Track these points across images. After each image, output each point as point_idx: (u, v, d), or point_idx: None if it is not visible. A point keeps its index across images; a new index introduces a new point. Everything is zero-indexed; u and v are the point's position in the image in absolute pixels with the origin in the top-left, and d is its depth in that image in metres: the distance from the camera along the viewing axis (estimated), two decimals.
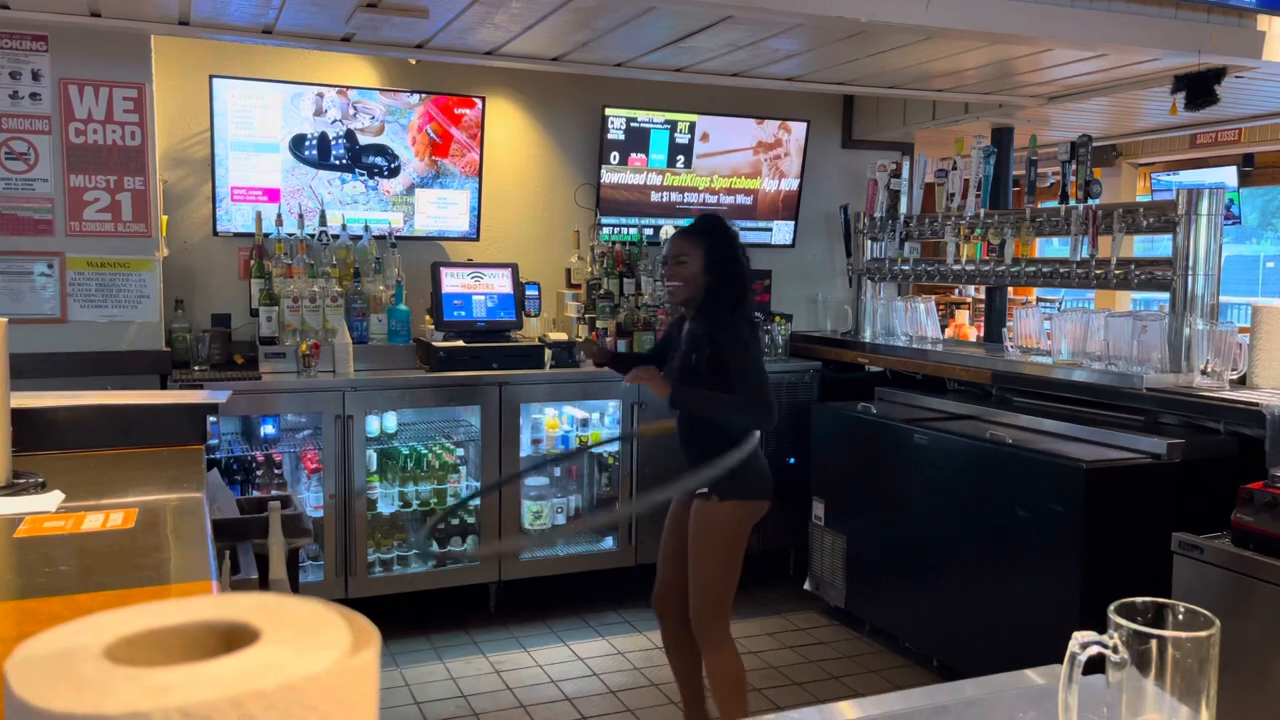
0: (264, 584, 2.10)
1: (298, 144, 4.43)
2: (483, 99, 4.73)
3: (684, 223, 5.24)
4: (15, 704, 0.41)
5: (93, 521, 1.61)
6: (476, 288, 4.60)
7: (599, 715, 3.56)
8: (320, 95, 4.43)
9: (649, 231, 5.19)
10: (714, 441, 2.83)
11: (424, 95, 4.62)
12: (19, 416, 1.92)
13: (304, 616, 0.49)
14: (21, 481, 1.81)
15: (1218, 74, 4.00)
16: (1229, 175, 7.83)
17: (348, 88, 4.49)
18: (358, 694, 0.45)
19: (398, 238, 4.61)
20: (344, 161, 4.53)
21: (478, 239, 4.85)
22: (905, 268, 4.87)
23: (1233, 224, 8.04)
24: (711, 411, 2.88)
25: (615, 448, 4.70)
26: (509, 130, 4.99)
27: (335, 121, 4.47)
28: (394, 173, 4.62)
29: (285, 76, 4.43)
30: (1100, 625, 0.89)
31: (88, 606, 1.26)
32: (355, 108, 4.49)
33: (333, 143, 4.48)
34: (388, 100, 4.57)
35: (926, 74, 4.50)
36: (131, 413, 2.32)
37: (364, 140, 4.55)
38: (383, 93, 4.57)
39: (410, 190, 4.69)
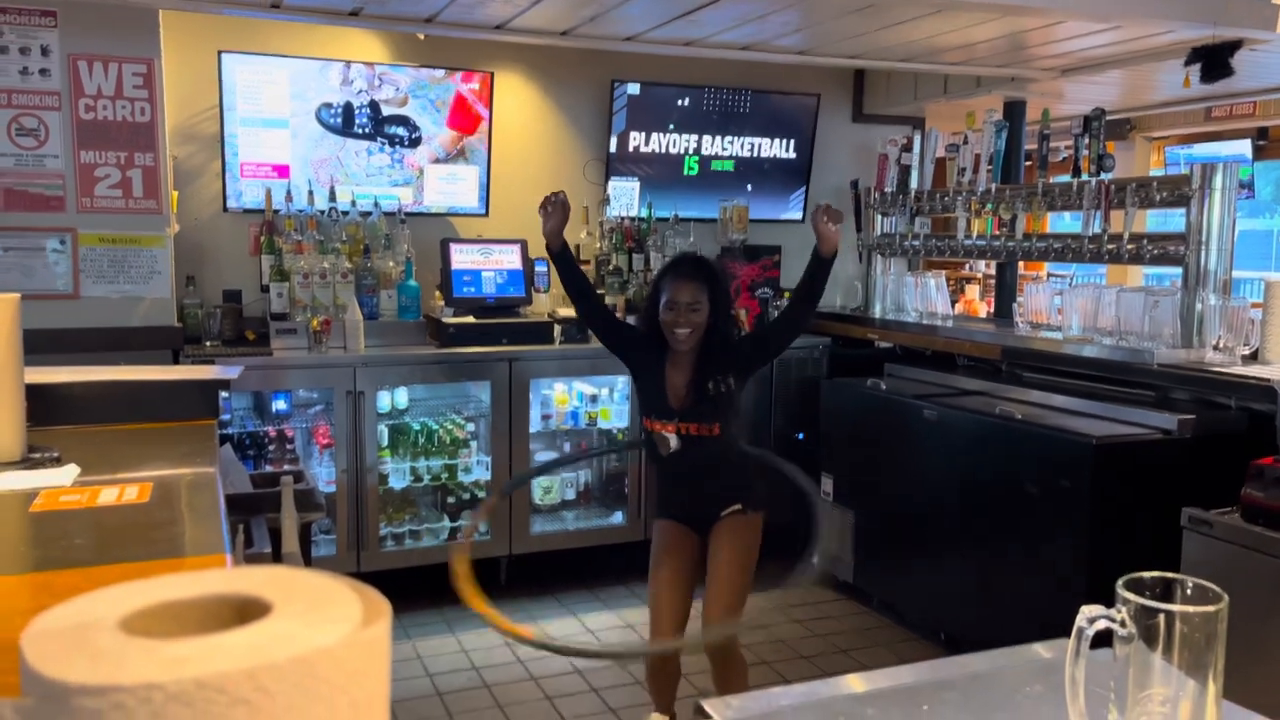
0: (277, 558, 2.12)
1: (323, 112, 4.44)
2: (491, 74, 4.71)
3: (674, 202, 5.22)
4: (31, 676, 0.42)
5: (108, 495, 1.63)
6: (486, 264, 4.60)
7: (608, 687, 3.59)
8: (348, 66, 4.43)
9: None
10: (742, 462, 2.90)
11: (447, 70, 4.61)
12: (33, 392, 1.93)
13: (315, 590, 0.50)
14: (37, 456, 1.83)
15: (1233, 46, 3.94)
16: (1244, 149, 7.75)
17: (353, 62, 4.48)
18: (369, 666, 0.46)
19: (407, 213, 4.61)
20: (367, 130, 4.53)
21: (487, 215, 4.84)
22: (915, 243, 4.84)
23: (1247, 198, 7.96)
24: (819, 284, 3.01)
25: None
26: (517, 105, 4.96)
27: (361, 92, 4.48)
28: (414, 143, 4.62)
29: (293, 51, 4.42)
30: (1108, 601, 0.89)
31: (104, 579, 1.27)
32: (380, 79, 4.50)
33: (356, 112, 4.49)
34: (414, 73, 4.56)
35: (938, 47, 4.46)
36: (144, 388, 2.33)
37: (387, 111, 4.55)
38: (410, 66, 4.56)
39: (436, 163, 4.70)
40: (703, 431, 2.89)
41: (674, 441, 2.90)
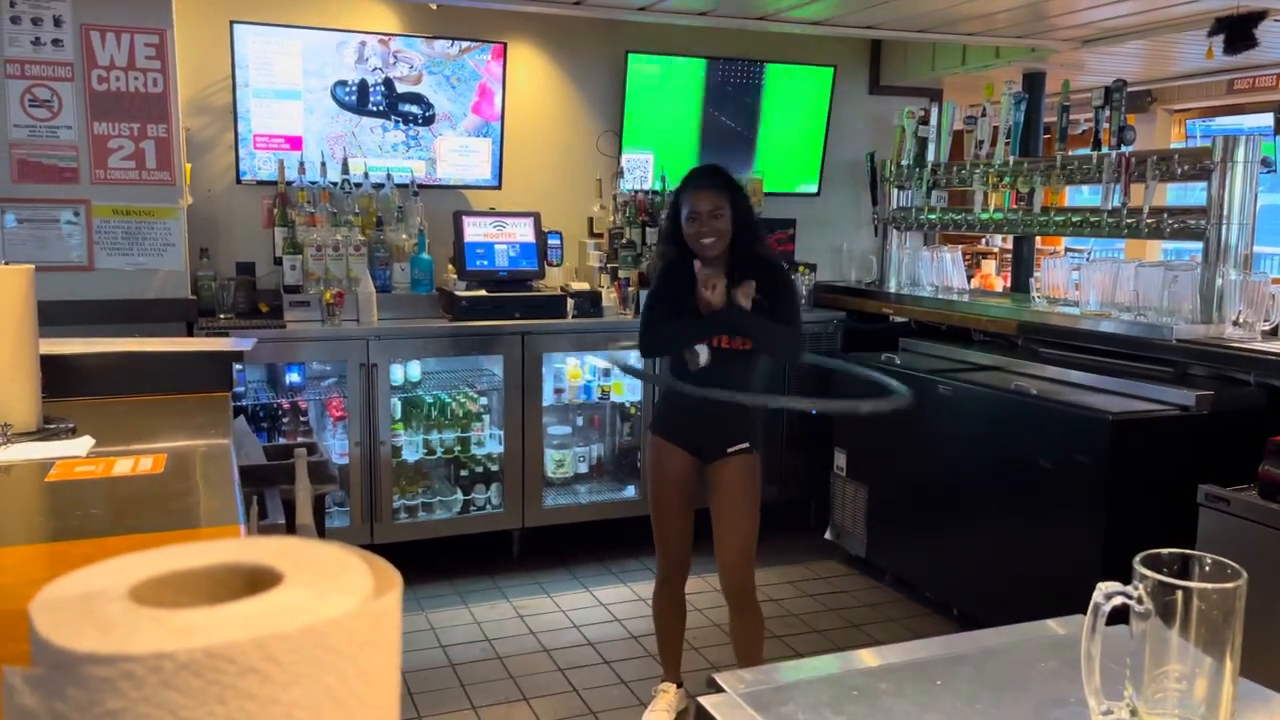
0: (291, 529, 2.13)
1: (338, 90, 4.42)
2: (504, 45, 4.68)
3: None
4: (41, 645, 0.41)
5: (123, 466, 1.63)
6: (499, 237, 4.59)
7: (620, 659, 3.61)
8: (363, 44, 4.41)
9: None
10: (754, 389, 2.88)
11: (460, 43, 4.57)
12: (48, 363, 1.94)
13: (326, 560, 0.49)
14: (52, 427, 1.84)
15: (1257, 17, 3.88)
16: (1266, 122, 7.63)
17: (368, 33, 4.45)
18: (379, 636, 0.46)
19: (420, 186, 4.60)
20: (381, 108, 4.51)
21: (499, 187, 4.82)
22: (932, 217, 4.80)
23: (1268, 172, 7.84)
24: (770, 339, 2.81)
25: (635, 397, 4.70)
26: (530, 77, 4.93)
27: (375, 69, 4.46)
28: (429, 120, 4.60)
29: (305, 22, 4.39)
30: (1123, 577, 0.88)
31: (119, 549, 1.28)
32: (395, 57, 4.47)
33: (371, 90, 4.47)
34: (428, 50, 4.53)
35: (956, 17, 4.40)
36: (159, 360, 2.34)
37: (402, 89, 4.52)
38: (424, 42, 4.53)
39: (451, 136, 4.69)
40: (734, 345, 2.83)
41: (704, 355, 2.83)
